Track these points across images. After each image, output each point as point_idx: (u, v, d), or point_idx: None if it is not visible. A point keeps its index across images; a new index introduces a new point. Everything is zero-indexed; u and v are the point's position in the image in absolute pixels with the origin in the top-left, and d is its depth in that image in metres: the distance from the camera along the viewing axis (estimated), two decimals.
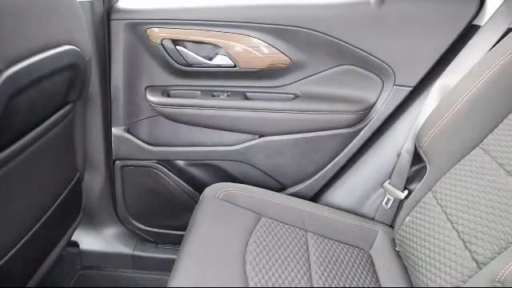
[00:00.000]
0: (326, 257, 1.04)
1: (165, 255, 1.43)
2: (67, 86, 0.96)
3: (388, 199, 1.20)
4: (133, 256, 1.43)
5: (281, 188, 1.32)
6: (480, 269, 0.77)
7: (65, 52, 0.89)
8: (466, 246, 0.84)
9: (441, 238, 0.92)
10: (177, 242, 1.36)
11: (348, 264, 1.05)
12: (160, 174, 1.32)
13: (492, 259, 0.75)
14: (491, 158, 0.91)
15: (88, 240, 1.43)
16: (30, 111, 0.84)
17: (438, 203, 0.98)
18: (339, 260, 1.05)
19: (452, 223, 0.90)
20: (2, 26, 0.72)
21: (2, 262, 0.83)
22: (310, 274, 0.96)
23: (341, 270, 1.02)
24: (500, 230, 0.78)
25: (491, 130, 0.95)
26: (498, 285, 0.67)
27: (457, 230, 0.88)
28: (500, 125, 0.94)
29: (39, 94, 0.84)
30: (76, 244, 1.42)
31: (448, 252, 0.87)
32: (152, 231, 1.43)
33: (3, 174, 0.80)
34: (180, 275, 0.87)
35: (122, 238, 1.45)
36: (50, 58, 0.83)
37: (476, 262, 0.79)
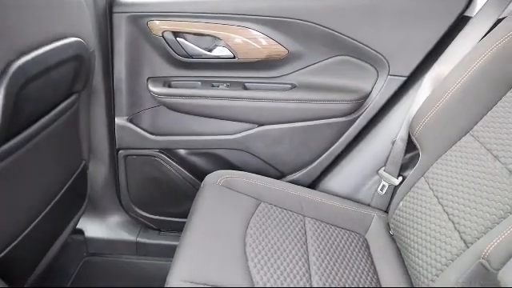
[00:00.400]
0: (322, 240, 1.08)
1: (167, 242, 1.47)
2: (73, 76, 1.00)
3: (383, 186, 1.24)
4: (136, 243, 1.48)
5: (280, 176, 1.36)
6: (468, 247, 0.81)
7: (70, 44, 0.93)
8: (455, 227, 0.88)
9: (432, 220, 0.96)
10: (179, 229, 1.40)
11: (344, 247, 1.09)
12: (162, 162, 1.36)
13: (479, 238, 0.79)
14: (480, 144, 0.95)
15: (93, 227, 1.47)
16: (39, 100, 0.87)
17: (429, 188, 1.02)
18: (335, 243, 1.09)
19: (443, 206, 0.95)
20: (11, 18, 0.75)
21: (11, 247, 0.87)
22: (308, 256, 1.01)
23: (337, 252, 1.07)
24: (487, 211, 0.82)
25: (481, 118, 0.99)
26: (483, 261, 0.71)
27: (447, 213, 0.93)
28: (489, 112, 0.98)
29: (47, 84, 0.88)
30: (81, 231, 1.47)
31: (438, 233, 0.92)
32: (155, 218, 1.48)
33: (12, 161, 0.84)
34: (183, 257, 0.91)
35: (126, 226, 1.49)
36: (57, 50, 0.87)
37: (464, 241, 0.84)
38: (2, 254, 0.82)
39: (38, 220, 0.98)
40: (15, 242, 0.87)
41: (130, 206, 1.46)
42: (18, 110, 0.78)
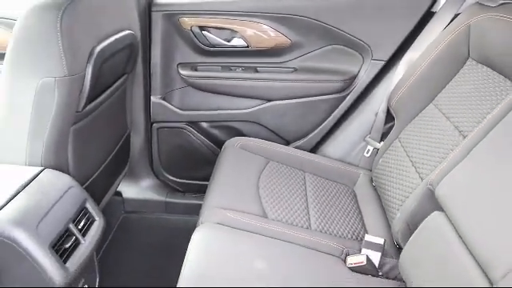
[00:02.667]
0: (319, 190, 1.37)
1: (191, 201, 1.76)
2: (126, 60, 1.30)
3: (368, 149, 1.54)
4: (165, 202, 1.78)
5: (285, 143, 1.65)
6: (422, 180, 1.11)
7: (126, 35, 1.23)
8: (416, 171, 1.18)
9: (401, 168, 1.26)
10: (200, 191, 1.70)
11: (335, 195, 1.39)
12: (188, 133, 1.66)
13: (431, 172, 1.09)
14: (438, 110, 1.25)
15: (129, 190, 1.77)
16: (107, 76, 1.18)
17: (401, 146, 1.32)
18: (329, 192, 1.39)
19: (409, 158, 1.25)
20: (94, 17, 1.06)
21: (89, 181, 1.18)
22: (307, 200, 1.30)
23: (330, 199, 1.35)
24: (438, 151, 1.11)
25: (440, 91, 1.28)
26: (429, 186, 1.00)
27: (412, 162, 1.22)
28: (446, 86, 1.27)
29: (112, 65, 1.18)
30: (120, 193, 1.76)
31: (406, 177, 1.21)
32: (180, 182, 1.78)
33: (90, 119, 1.14)
34: (212, 194, 1.21)
35: (156, 188, 1.79)
36: (119, 39, 1.17)
37: (421, 178, 1.13)
38: (85, 185, 1.13)
39: (102, 167, 1.29)
40: (92, 178, 1.18)
41: (160, 171, 1.76)
42: (98, 80, 1.08)
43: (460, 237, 0.82)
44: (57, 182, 0.94)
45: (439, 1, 1.42)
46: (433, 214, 0.94)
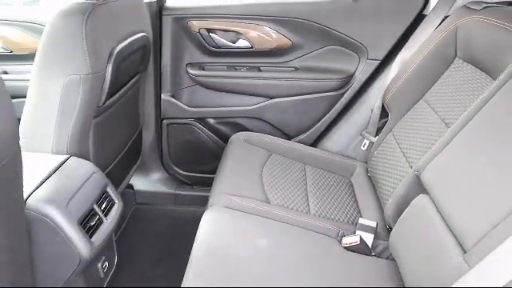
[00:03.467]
0: (318, 179, 1.48)
1: (198, 193, 1.87)
2: (140, 60, 1.42)
3: (365, 143, 1.64)
4: (174, 194, 1.89)
5: (287, 138, 1.75)
6: (411, 169, 1.21)
7: (141, 37, 1.34)
8: (407, 160, 1.28)
9: (393, 159, 1.36)
10: (207, 183, 1.80)
11: (333, 185, 1.49)
12: (196, 129, 1.78)
13: (418, 159, 1.19)
14: (428, 105, 1.35)
15: (140, 182, 1.89)
16: (124, 74, 1.29)
17: (394, 138, 1.42)
18: (327, 182, 1.49)
19: (401, 149, 1.35)
20: (112, 22, 1.17)
21: (107, 170, 1.29)
22: (306, 187, 1.41)
23: (327, 187, 1.45)
24: (425, 142, 1.22)
25: (429, 88, 1.38)
26: (416, 172, 1.11)
27: (403, 153, 1.33)
28: (435, 83, 1.37)
29: (128, 64, 1.30)
30: (131, 186, 1.88)
31: (397, 166, 1.32)
32: (189, 175, 1.89)
33: (108, 114, 1.26)
34: (220, 182, 1.32)
35: (166, 181, 1.90)
36: (135, 41, 1.29)
37: (410, 167, 1.24)
38: (105, 172, 1.24)
39: (117, 159, 1.40)
40: (108, 169, 1.30)
41: (170, 165, 1.88)
42: (116, 78, 1.20)
43: (440, 214, 0.92)
44: (81, 168, 1.05)
45: (430, 4, 1.52)
46: (418, 196, 1.04)
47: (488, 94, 1.02)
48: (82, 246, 0.92)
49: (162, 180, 1.90)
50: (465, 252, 0.81)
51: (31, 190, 0.92)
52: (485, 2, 1.32)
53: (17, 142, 0.68)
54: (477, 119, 0.99)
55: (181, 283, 0.92)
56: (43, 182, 0.95)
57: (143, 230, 1.79)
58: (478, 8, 1.28)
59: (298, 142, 1.72)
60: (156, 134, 1.79)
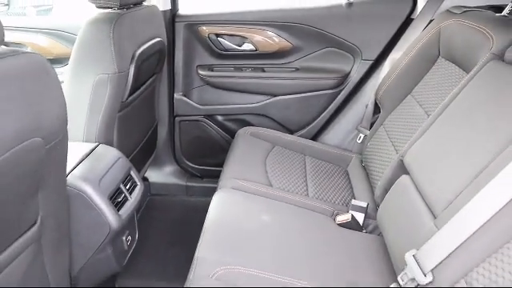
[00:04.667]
0: (317, 168, 1.63)
1: (208, 185, 2.03)
2: (156, 62, 1.59)
3: (360, 137, 1.79)
4: (186, 186, 2.05)
5: (289, 132, 1.91)
6: (395, 152, 1.37)
7: (157, 42, 1.52)
8: (394, 148, 1.44)
9: (384, 148, 1.51)
10: (216, 175, 1.96)
11: (330, 173, 1.64)
12: (205, 125, 1.94)
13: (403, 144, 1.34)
14: (414, 99, 1.50)
15: (154, 175, 2.05)
16: (143, 74, 1.46)
17: (385, 130, 1.58)
18: (324, 171, 1.64)
19: (390, 139, 1.50)
20: (134, 28, 1.34)
21: (132, 155, 1.46)
22: (306, 174, 1.56)
23: (325, 175, 1.61)
24: (410, 131, 1.36)
25: (416, 84, 1.53)
26: (400, 157, 1.26)
27: (392, 142, 1.48)
28: (421, 80, 1.52)
29: (147, 65, 1.47)
30: (146, 178, 2.04)
31: (386, 154, 1.47)
32: (199, 168, 2.06)
33: (130, 109, 1.43)
34: (227, 170, 1.48)
35: (178, 174, 2.07)
36: (153, 45, 1.46)
37: (397, 153, 1.39)
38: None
39: (135, 151, 1.57)
40: (132, 154, 1.46)
41: (181, 159, 2.04)
42: (136, 78, 1.37)
43: (417, 189, 1.07)
44: (109, 154, 1.22)
45: (417, 9, 1.68)
46: (401, 177, 1.19)
47: (461, 85, 1.18)
48: (111, 217, 1.08)
49: (174, 173, 2.07)
50: (435, 218, 0.97)
51: (69, 170, 1.08)
52: (465, 7, 1.47)
53: (66, 124, 0.85)
54: (450, 108, 1.15)
55: (191, 264, 1.06)
56: (78, 164, 1.12)
57: (157, 217, 1.95)
58: (459, 12, 1.44)
59: (300, 136, 1.88)
60: (169, 129, 1.96)
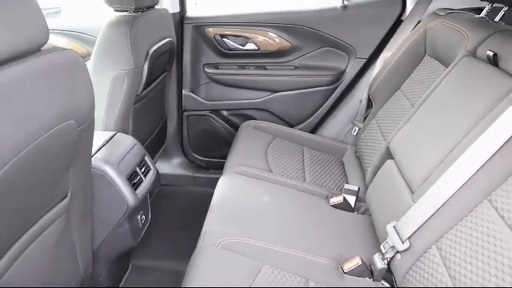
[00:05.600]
0: (314, 158, 1.77)
1: (213, 175, 2.17)
2: (167, 60, 1.74)
3: (355, 129, 1.93)
4: (193, 177, 2.20)
5: (289, 126, 2.05)
6: (384, 141, 1.50)
7: (168, 41, 1.67)
8: (384, 138, 1.57)
9: (375, 138, 1.65)
10: (221, 167, 2.10)
11: (326, 162, 1.78)
12: (211, 119, 2.09)
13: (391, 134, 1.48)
14: (402, 93, 1.64)
15: (164, 166, 2.20)
16: (156, 71, 1.61)
17: (376, 123, 1.71)
18: (321, 160, 1.78)
19: (380, 130, 1.64)
20: (148, 29, 1.49)
21: (144, 145, 1.61)
22: (304, 163, 1.70)
23: (321, 164, 1.75)
24: (397, 121, 1.50)
25: (404, 80, 1.67)
26: (388, 145, 1.39)
27: (382, 133, 1.61)
28: (409, 77, 1.66)
29: (159, 63, 1.62)
30: (156, 169, 2.19)
31: (377, 144, 1.60)
32: (205, 160, 2.20)
33: (143, 102, 1.58)
34: (232, 156, 1.62)
35: (185, 165, 2.22)
36: (163, 45, 1.61)
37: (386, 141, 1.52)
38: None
39: (147, 142, 1.72)
40: (148, 141, 1.61)
41: (189, 151, 2.19)
42: (150, 74, 1.52)
43: (399, 170, 1.21)
44: (126, 141, 1.36)
45: (406, 11, 1.82)
46: (387, 161, 1.33)
47: (439, 79, 1.32)
48: (129, 195, 1.23)
49: (182, 164, 2.22)
50: (412, 193, 1.11)
51: (92, 154, 1.23)
52: (449, 9, 1.61)
53: (94, 110, 0.99)
54: (430, 99, 1.29)
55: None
56: (100, 149, 1.27)
57: (167, 205, 2.10)
58: (443, 14, 1.58)
59: (299, 129, 2.02)
60: (177, 124, 2.11)
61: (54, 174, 0.95)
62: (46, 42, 0.83)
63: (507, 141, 0.90)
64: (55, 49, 0.86)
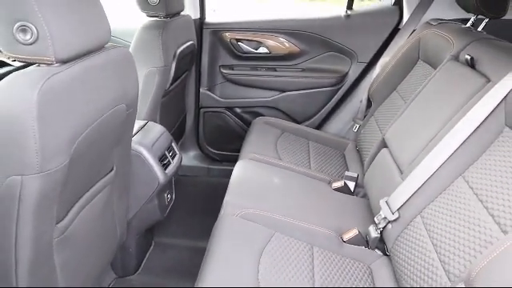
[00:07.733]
0: (318, 150, 1.98)
1: (227, 167, 2.36)
2: (189, 61, 1.96)
3: (355, 127, 2.13)
4: (208, 168, 2.41)
5: (296, 123, 2.26)
6: (380, 134, 1.71)
7: (190, 44, 1.89)
8: (380, 132, 1.77)
9: (372, 132, 1.85)
10: (233, 160, 2.31)
11: (330, 155, 1.98)
12: (226, 116, 2.30)
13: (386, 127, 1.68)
14: (398, 94, 1.85)
15: None
16: (181, 69, 1.83)
17: (374, 120, 1.92)
18: (325, 152, 1.99)
19: (378, 125, 1.84)
20: (175, 33, 1.71)
21: (173, 130, 1.82)
22: (309, 153, 1.90)
23: (325, 155, 1.95)
24: (393, 116, 1.71)
25: (400, 82, 1.88)
26: (384, 136, 1.60)
27: (379, 127, 1.82)
28: (404, 79, 1.87)
29: (183, 62, 1.84)
30: (181, 154, 2.39)
31: (374, 137, 1.81)
32: (219, 153, 2.41)
33: (170, 96, 1.79)
34: (246, 147, 1.83)
35: (200, 158, 2.43)
36: (187, 47, 1.83)
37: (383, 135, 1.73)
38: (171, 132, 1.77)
39: (172, 130, 1.93)
40: (173, 129, 1.82)
41: (204, 145, 2.40)
42: (176, 71, 1.73)
43: (392, 156, 1.42)
44: (156, 128, 1.57)
45: (403, 21, 2.04)
46: (382, 150, 1.54)
47: (427, 80, 1.52)
48: (160, 173, 1.44)
49: (198, 157, 2.43)
50: (402, 173, 1.31)
51: None
52: (441, 20, 1.82)
53: (138, 98, 1.20)
54: (418, 97, 1.49)
55: (212, 228, 1.32)
56: (136, 134, 1.48)
57: (184, 193, 2.30)
58: (435, 23, 1.79)
59: (305, 125, 2.23)
60: (195, 119, 2.33)
61: (106, 151, 1.16)
62: (108, 41, 1.04)
63: (478, 126, 1.11)
64: (113, 46, 1.08)
